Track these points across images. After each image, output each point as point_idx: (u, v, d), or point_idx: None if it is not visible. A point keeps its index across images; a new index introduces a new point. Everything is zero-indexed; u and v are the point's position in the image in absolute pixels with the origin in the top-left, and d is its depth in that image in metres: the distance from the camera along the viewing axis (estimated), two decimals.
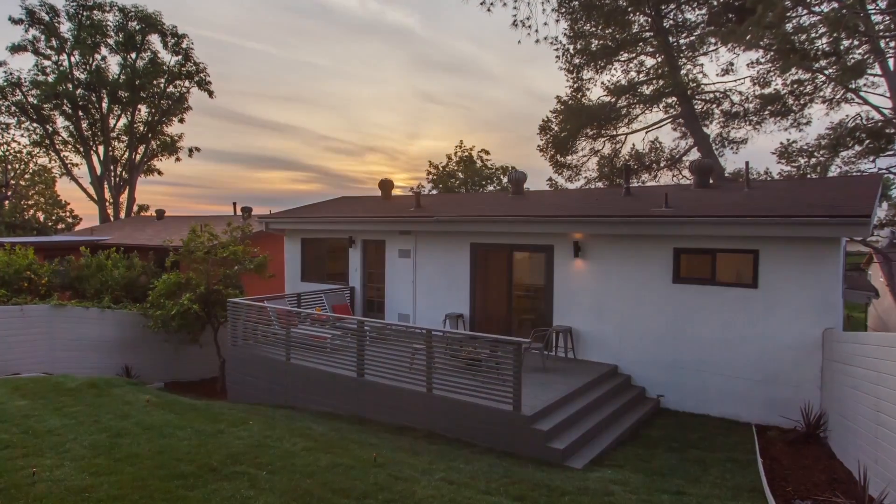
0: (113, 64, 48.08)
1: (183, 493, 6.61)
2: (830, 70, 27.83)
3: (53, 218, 63.35)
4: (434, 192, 50.60)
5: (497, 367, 11.64)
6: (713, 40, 32.26)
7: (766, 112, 31.44)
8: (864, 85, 27.01)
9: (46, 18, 43.72)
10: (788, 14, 25.85)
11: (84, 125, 46.75)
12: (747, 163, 18.28)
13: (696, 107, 34.35)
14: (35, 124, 45.89)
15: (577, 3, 34.35)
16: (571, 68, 36.25)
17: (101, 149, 47.85)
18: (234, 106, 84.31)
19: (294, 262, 21.79)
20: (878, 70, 25.62)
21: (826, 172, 29.65)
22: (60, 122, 46.61)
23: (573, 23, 35.31)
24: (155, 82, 47.15)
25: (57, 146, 47.50)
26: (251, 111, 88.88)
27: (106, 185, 48.41)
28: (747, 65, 31.35)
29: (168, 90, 48.30)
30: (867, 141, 27.46)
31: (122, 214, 49.26)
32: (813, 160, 30.76)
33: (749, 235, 12.53)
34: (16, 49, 43.92)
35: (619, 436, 11.47)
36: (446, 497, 7.06)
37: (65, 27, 44.65)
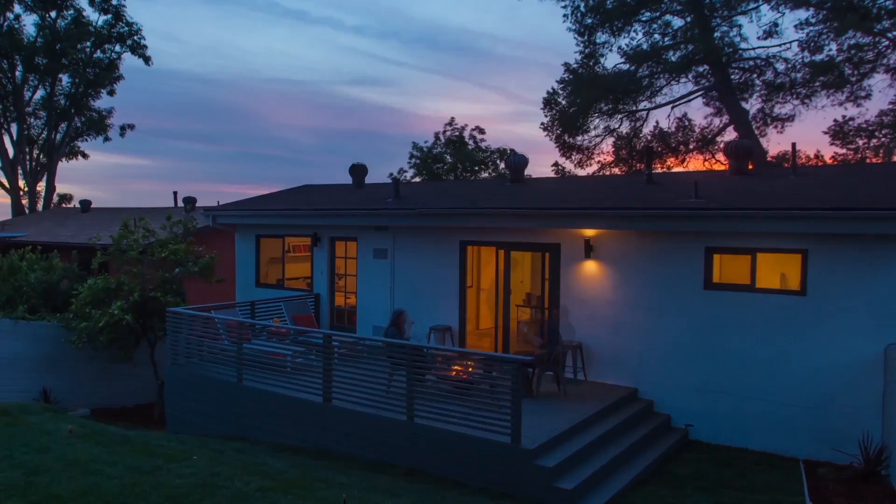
0: (28, 24, 47.91)
1: None
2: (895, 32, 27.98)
3: None
4: (417, 179, 50.48)
5: (492, 391, 11.64)
6: None
7: (818, 83, 31.56)
8: None
9: None
10: None
11: None
12: (794, 144, 18.39)
13: (732, 77, 34.47)
14: None
15: None
16: (582, 30, 36.33)
17: (13, 127, 47.58)
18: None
19: (247, 264, 21.74)
20: None
21: (889, 156, 29.84)
22: None
23: None
24: (79, 46, 46.85)
25: None
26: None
27: (20, 171, 48.12)
28: (795, 26, 31.55)
29: (95, 56, 48.05)
30: None
31: (40, 206, 48.98)
32: (874, 141, 30.95)
33: (796, 232, 12.58)
34: None
35: (640, 473, 11.50)
36: None
37: None
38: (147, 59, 48.47)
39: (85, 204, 39.62)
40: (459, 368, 13.02)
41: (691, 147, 36.73)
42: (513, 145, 50.91)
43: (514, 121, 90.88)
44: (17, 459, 9.34)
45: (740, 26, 33.67)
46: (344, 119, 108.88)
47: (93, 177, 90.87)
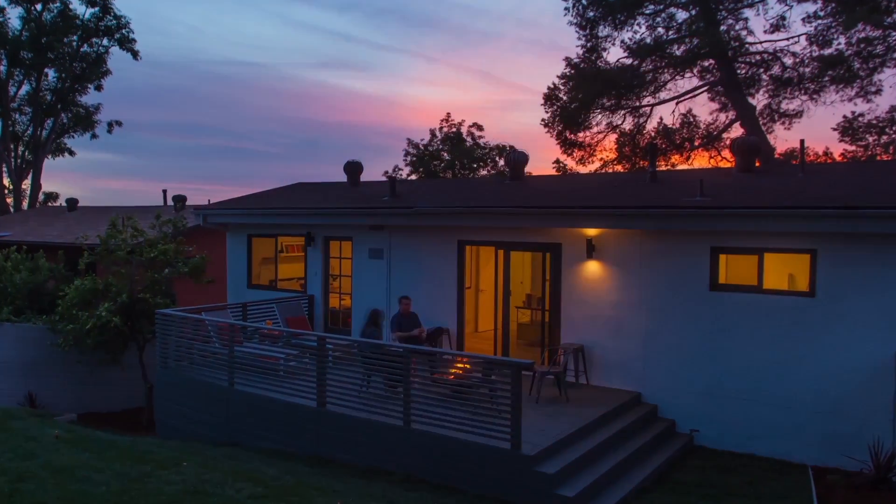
0: (13, 17, 47.70)
1: None
2: None
3: None
4: (413, 177, 50.44)
5: (491, 395, 11.63)
6: None
7: (826, 78, 31.55)
8: None
9: None
10: None
11: None
12: (802, 141, 18.34)
13: (738, 71, 34.47)
14: None
15: None
16: (584, 23, 36.31)
17: None
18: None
19: (239, 265, 21.72)
20: None
21: None
22: None
23: None
24: (66, 40, 46.79)
25: None
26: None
27: (4, 169, 48.06)
28: (803, 19, 31.55)
29: (82, 50, 47.98)
30: None
31: (25, 204, 48.94)
32: (884, 138, 30.91)
33: (804, 232, 12.57)
34: None
35: (644, 480, 11.49)
36: None
37: None
38: (135, 54, 48.39)
39: (71, 202, 39.54)
40: (457, 371, 13.01)
41: (696, 144, 36.73)
42: (505, 138, 50.79)
43: (504, 110, 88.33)
44: (2, 466, 9.31)
45: (747, 19, 33.75)
46: (318, 108, 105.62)
47: (79, 175, 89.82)
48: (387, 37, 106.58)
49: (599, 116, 37.43)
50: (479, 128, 51.86)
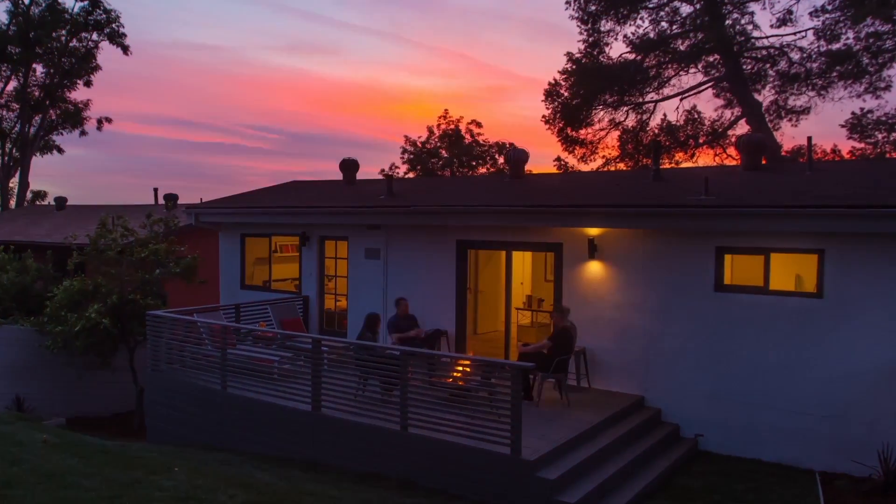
0: (0, 11, 47.80)
1: None
2: None
3: None
4: (411, 175, 50.43)
5: (491, 399, 11.61)
6: None
7: (834, 74, 31.58)
8: None
9: None
10: None
11: None
12: (810, 138, 18.38)
13: (744, 67, 34.47)
14: None
15: None
16: (586, 17, 36.32)
17: None
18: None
19: (232, 265, 21.70)
20: None
21: None
22: None
23: None
24: (54, 35, 46.75)
25: None
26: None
27: None
28: (810, 13, 31.58)
29: (71, 45, 47.92)
30: None
31: (13, 203, 48.91)
32: (893, 134, 30.91)
33: (812, 231, 12.55)
34: None
35: (647, 486, 11.47)
36: None
37: None
38: (126, 49, 48.35)
39: (60, 201, 39.53)
40: (456, 374, 13.00)
41: (701, 141, 36.75)
42: (503, 130, 50.82)
43: (502, 101, 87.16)
44: None
45: (752, 13, 33.79)
46: (309, 102, 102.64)
47: (68, 172, 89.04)
48: (365, 18, 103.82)
49: (602, 113, 37.50)
50: (478, 125, 51.87)
